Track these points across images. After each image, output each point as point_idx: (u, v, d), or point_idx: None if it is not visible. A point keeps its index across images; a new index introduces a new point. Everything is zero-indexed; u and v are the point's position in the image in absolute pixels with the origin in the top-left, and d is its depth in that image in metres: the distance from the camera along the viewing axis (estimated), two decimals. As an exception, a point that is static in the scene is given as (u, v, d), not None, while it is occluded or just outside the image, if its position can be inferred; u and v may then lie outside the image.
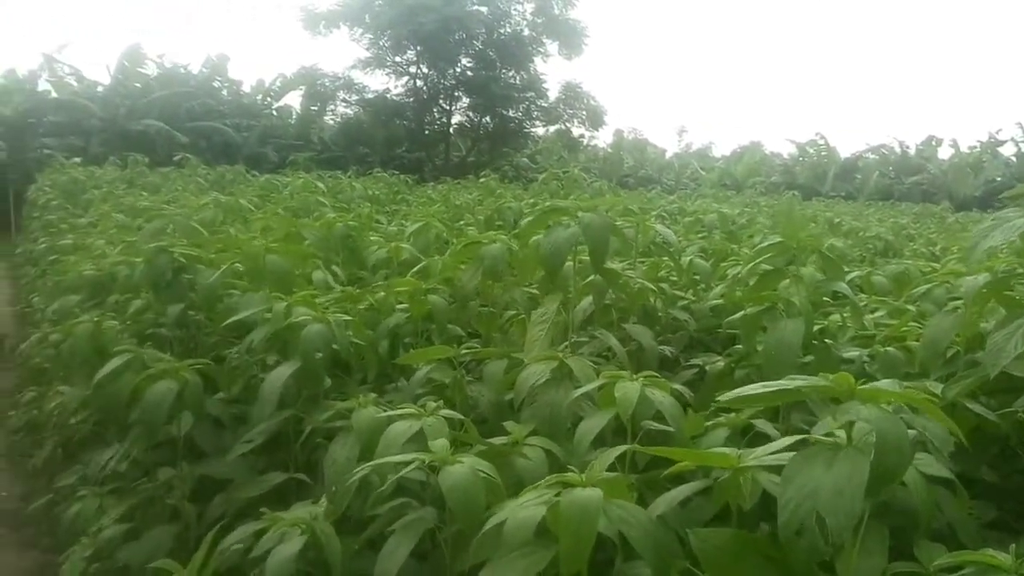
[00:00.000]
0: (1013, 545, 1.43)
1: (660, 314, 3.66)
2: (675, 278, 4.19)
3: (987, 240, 2.12)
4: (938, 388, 2.22)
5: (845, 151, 36.61)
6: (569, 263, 3.06)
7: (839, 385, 1.40)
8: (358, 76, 27.12)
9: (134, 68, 26.11)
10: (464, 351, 2.71)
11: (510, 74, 26.52)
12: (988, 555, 1.40)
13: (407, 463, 1.92)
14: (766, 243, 2.96)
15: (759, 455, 1.61)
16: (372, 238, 5.23)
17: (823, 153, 36.26)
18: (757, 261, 2.82)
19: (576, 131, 28.48)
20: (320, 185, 6.99)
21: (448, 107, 27.33)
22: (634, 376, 2.10)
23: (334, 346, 2.89)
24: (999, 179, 29.49)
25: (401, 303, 3.50)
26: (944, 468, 1.75)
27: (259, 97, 29.21)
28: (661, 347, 3.40)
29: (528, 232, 2.85)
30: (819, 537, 1.25)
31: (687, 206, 10.76)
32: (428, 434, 2.02)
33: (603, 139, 35.47)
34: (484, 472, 1.86)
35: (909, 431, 1.48)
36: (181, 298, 3.35)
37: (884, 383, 1.89)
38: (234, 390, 3.07)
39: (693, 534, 1.45)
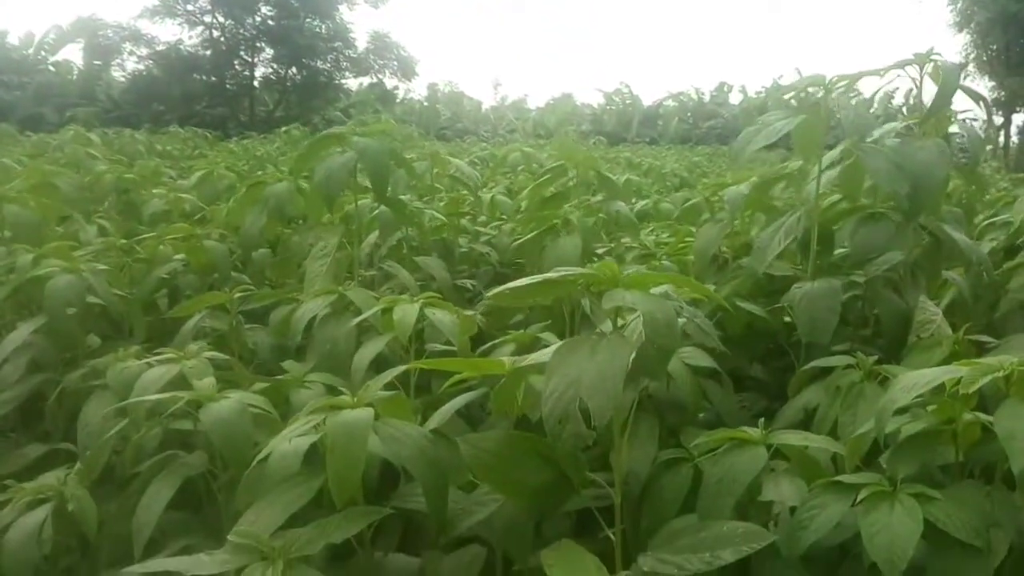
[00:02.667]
0: (762, 419, 1.50)
1: (463, 249, 3.63)
2: (482, 217, 4.17)
3: (752, 144, 2.19)
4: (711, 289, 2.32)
5: (648, 99, 38.53)
6: (364, 201, 2.93)
7: (603, 273, 1.36)
8: (146, 27, 24.93)
9: None
10: (239, 295, 2.51)
11: (315, 23, 25.36)
12: (740, 431, 1.46)
13: (166, 410, 1.75)
14: (547, 167, 2.97)
15: (532, 359, 1.58)
16: (155, 191, 4.79)
17: (628, 102, 37.87)
18: (539, 181, 2.82)
19: (390, 83, 27.88)
20: (94, 138, 6.29)
21: (250, 59, 25.79)
22: (414, 298, 2.03)
23: (95, 300, 2.60)
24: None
25: (179, 255, 3.22)
26: (708, 359, 1.81)
27: (30, 51, 26.13)
28: (463, 281, 3.37)
29: (301, 164, 2.66)
30: (582, 424, 1.23)
31: (498, 152, 10.81)
32: (190, 377, 1.84)
33: (419, 92, 35.05)
34: (257, 407, 1.73)
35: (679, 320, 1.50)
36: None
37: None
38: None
39: (462, 441, 1.40)
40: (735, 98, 38.58)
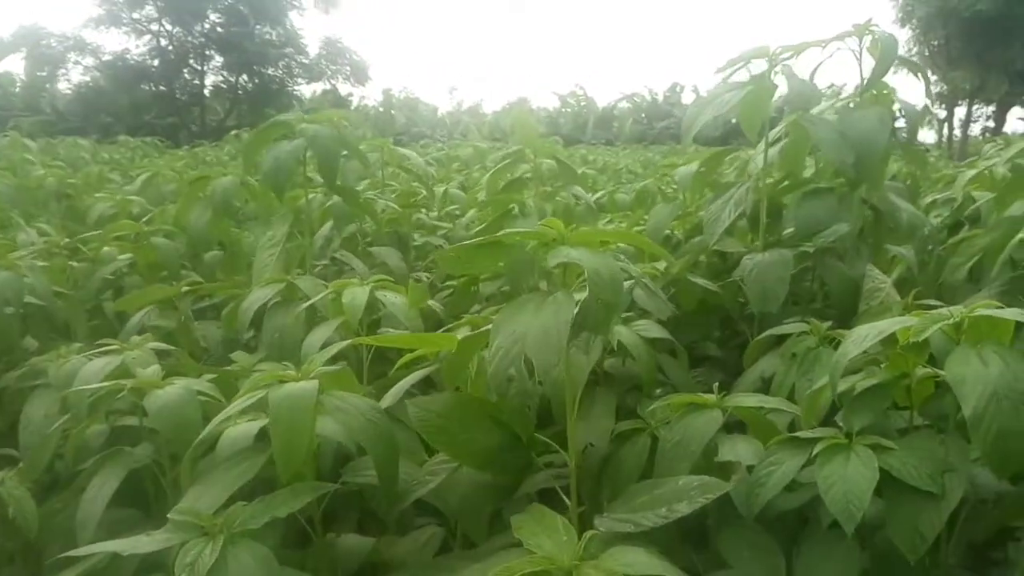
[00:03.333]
0: (716, 384, 1.49)
1: (418, 243, 3.59)
2: (433, 213, 4.14)
3: (701, 117, 2.18)
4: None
5: (603, 101, 38.91)
6: (316, 194, 2.89)
7: (548, 230, 1.34)
8: (91, 36, 24.41)
9: None
10: (187, 288, 2.44)
11: (265, 30, 25.06)
12: (696, 396, 1.45)
13: (110, 403, 1.68)
14: (506, 151, 2.95)
15: (482, 330, 1.56)
16: (99, 195, 4.68)
17: (583, 103, 38.16)
18: (498, 167, 2.80)
19: (344, 89, 27.68)
20: (31, 144, 6.09)
21: (200, 67, 25.36)
22: (364, 282, 1.99)
23: (34, 301, 2.51)
24: (734, 120, 32.81)
25: (126, 255, 3.14)
26: (663, 331, 1.80)
27: (-32, 63, 25.41)
28: (418, 274, 3.33)
29: (250, 154, 2.60)
30: (528, 381, 1.21)
31: (452, 153, 10.82)
32: (133, 367, 1.78)
33: (374, 99, 34.92)
34: (205, 394, 1.68)
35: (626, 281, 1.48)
36: None
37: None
38: None
39: (410, 404, 1.36)
40: (688, 98, 39.18)
